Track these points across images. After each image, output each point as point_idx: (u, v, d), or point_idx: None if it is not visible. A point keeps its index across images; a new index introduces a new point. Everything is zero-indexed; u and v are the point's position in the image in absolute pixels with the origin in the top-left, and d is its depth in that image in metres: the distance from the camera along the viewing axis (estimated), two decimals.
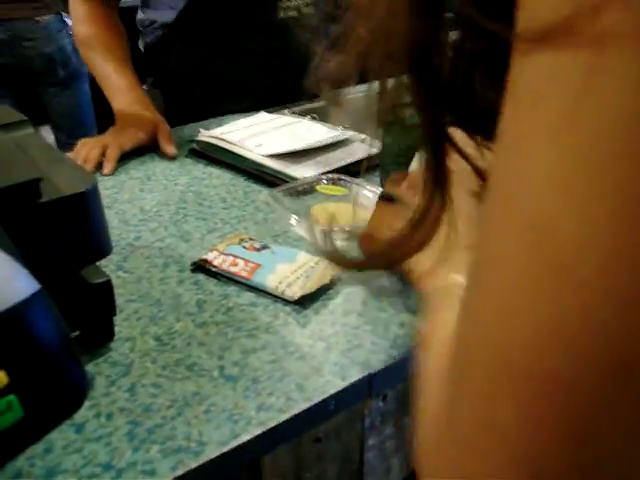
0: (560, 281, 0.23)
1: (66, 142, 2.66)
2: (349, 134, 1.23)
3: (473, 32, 0.35)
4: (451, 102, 0.39)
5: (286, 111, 1.41)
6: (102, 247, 0.65)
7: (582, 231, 0.22)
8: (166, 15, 1.45)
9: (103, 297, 0.70)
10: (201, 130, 1.29)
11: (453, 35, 0.38)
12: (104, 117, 1.69)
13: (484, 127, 0.39)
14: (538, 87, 0.24)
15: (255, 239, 0.92)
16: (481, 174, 0.46)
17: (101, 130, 1.34)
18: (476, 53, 0.36)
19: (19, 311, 0.45)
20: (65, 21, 2.51)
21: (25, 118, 0.82)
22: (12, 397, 0.44)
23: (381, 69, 0.43)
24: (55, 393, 0.47)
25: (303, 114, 1.38)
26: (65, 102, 2.60)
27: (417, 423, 0.37)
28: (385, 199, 0.74)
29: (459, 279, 0.53)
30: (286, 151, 1.14)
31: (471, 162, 0.44)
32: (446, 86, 0.39)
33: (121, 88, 1.39)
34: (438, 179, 0.43)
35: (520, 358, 0.24)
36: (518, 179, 0.25)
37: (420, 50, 0.38)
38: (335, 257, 0.52)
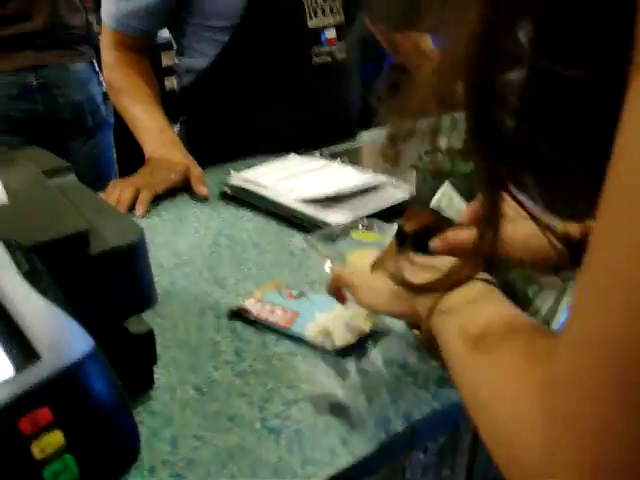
0: None
1: None
2: (381, 178, 1.23)
3: (541, 78, 0.35)
4: (511, 149, 0.39)
5: (317, 153, 1.41)
6: (149, 298, 0.65)
7: None
8: (201, 62, 1.47)
9: (145, 347, 0.70)
10: (232, 172, 1.30)
11: (514, 75, 0.37)
12: (126, 166, 1.71)
13: (543, 173, 0.39)
14: None
15: (292, 286, 0.92)
16: (535, 219, 0.46)
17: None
18: (542, 99, 0.36)
19: (76, 370, 0.45)
20: (97, 71, 2.48)
21: (67, 164, 0.83)
22: (68, 457, 0.44)
23: (438, 111, 0.43)
24: (110, 451, 0.47)
25: (333, 156, 1.39)
26: (88, 152, 2.55)
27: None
28: (399, 236, 0.72)
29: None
30: (319, 196, 1.14)
31: (526, 209, 0.44)
32: (507, 134, 0.39)
33: (152, 130, 1.41)
34: (491, 220, 0.43)
35: None
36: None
37: (481, 95, 0.38)
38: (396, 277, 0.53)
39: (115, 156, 2.71)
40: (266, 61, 1.43)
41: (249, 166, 1.35)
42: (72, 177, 0.81)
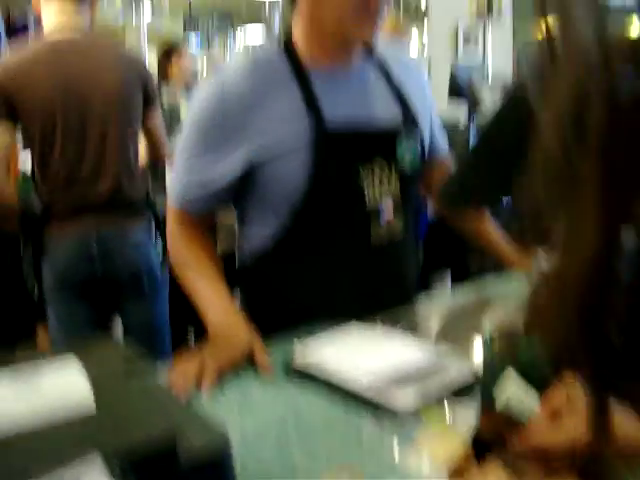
0: None
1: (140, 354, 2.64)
2: (445, 351, 1.24)
3: None
4: (619, 361, 0.39)
5: (378, 322, 1.43)
6: None
7: None
8: (262, 237, 1.54)
9: None
10: (296, 347, 1.31)
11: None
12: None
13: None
14: None
15: (361, 472, 0.91)
16: None
17: (175, 342, 1.38)
18: None
19: None
20: (153, 233, 2.58)
21: (146, 363, 0.85)
22: None
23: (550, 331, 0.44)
24: None
25: (393, 323, 1.41)
26: (143, 314, 2.58)
27: None
28: (476, 443, 0.70)
29: None
30: (385, 376, 1.15)
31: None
32: (617, 350, 0.39)
33: (216, 304, 1.45)
34: (599, 427, 0.42)
35: None
36: None
37: (592, 313, 0.38)
38: None
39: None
40: (325, 241, 1.50)
41: (310, 334, 1.37)
42: (152, 374, 0.84)
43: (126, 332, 2.63)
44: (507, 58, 6.99)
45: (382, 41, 1.63)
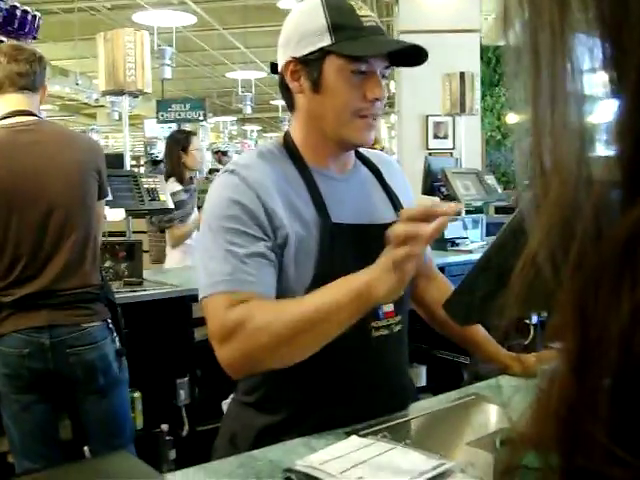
0: None
1: (99, 452, 2.53)
2: (446, 463, 1.23)
3: None
4: None
5: (378, 434, 1.42)
6: None
7: None
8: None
9: None
10: (298, 461, 1.28)
11: None
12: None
13: None
14: None
15: None
16: None
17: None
18: None
19: None
20: (111, 328, 2.47)
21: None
22: None
23: None
24: None
25: (396, 440, 1.38)
26: (103, 410, 2.50)
27: None
28: None
29: None
30: None
31: None
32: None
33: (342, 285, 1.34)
34: None
35: None
36: None
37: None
38: None
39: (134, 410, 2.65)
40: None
41: (307, 446, 1.36)
42: None
43: (82, 427, 2.57)
44: (476, 148, 7.21)
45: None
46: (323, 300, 1.32)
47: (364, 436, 1.39)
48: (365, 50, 1.45)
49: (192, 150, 4.73)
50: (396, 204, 1.64)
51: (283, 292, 1.45)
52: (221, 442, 1.59)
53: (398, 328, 1.57)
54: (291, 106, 1.57)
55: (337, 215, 1.50)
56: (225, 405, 1.69)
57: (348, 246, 1.49)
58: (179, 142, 4.77)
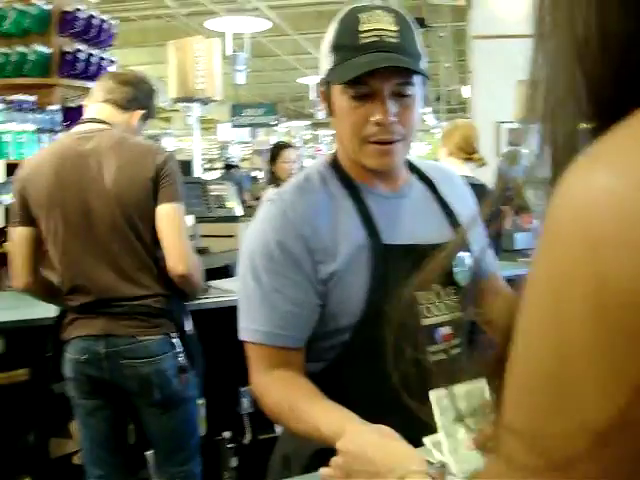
0: None
1: (163, 464, 2.54)
2: None
3: None
4: None
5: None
6: None
7: None
8: (315, 367, 1.47)
9: None
10: None
11: None
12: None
13: None
14: None
15: None
16: None
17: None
18: None
19: None
20: (172, 343, 2.36)
21: None
22: None
23: None
24: None
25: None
26: (163, 426, 2.44)
27: None
28: None
29: None
30: None
31: None
32: None
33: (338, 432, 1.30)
34: None
35: None
36: None
37: None
38: None
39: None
40: (381, 357, 1.42)
41: None
42: None
43: (147, 438, 2.56)
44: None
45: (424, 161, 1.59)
46: (307, 416, 1.30)
47: None
48: (346, 74, 1.33)
49: (280, 162, 5.19)
50: (453, 219, 1.55)
51: (334, 317, 1.41)
52: (275, 462, 1.56)
53: (456, 351, 1.50)
54: None
55: (389, 236, 1.42)
56: None
57: (401, 269, 1.42)
58: (271, 154, 5.32)
